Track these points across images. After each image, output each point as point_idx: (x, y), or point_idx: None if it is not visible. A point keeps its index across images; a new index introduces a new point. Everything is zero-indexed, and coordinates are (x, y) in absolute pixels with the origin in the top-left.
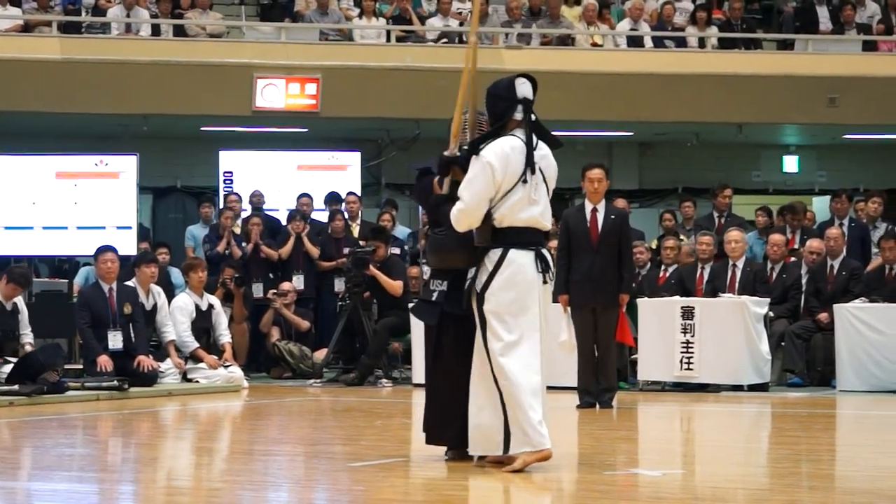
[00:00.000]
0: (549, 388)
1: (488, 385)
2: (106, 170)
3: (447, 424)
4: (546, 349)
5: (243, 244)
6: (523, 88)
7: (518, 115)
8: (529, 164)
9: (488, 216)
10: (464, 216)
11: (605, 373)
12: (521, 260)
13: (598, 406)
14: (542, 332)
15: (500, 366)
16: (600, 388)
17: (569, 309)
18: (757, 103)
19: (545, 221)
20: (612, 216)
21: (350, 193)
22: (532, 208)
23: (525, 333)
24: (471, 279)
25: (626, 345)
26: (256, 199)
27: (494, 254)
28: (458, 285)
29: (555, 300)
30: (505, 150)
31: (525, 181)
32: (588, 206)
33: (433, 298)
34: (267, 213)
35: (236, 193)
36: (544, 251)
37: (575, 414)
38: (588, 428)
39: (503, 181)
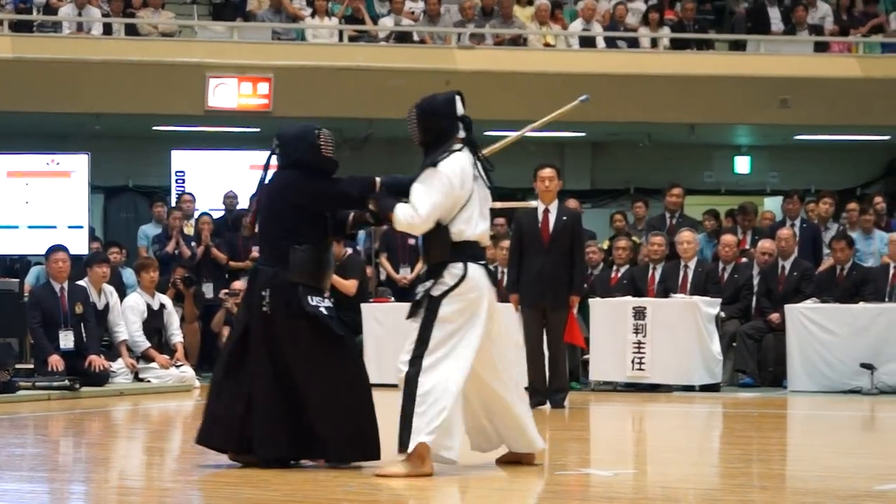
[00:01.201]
0: None
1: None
2: (57, 169)
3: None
4: (502, 355)
5: (192, 244)
6: (460, 106)
7: (461, 133)
8: (479, 179)
9: (446, 230)
10: (412, 223)
11: (555, 373)
12: (477, 274)
13: (549, 406)
14: (487, 341)
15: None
16: (552, 388)
17: (519, 308)
18: (709, 104)
19: (487, 237)
20: (564, 217)
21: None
22: (483, 223)
23: (458, 345)
24: (424, 291)
25: (577, 345)
26: (230, 201)
27: (455, 268)
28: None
29: (506, 300)
30: (462, 165)
31: (476, 196)
32: (540, 207)
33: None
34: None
35: (190, 193)
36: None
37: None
38: (539, 428)
39: (460, 196)
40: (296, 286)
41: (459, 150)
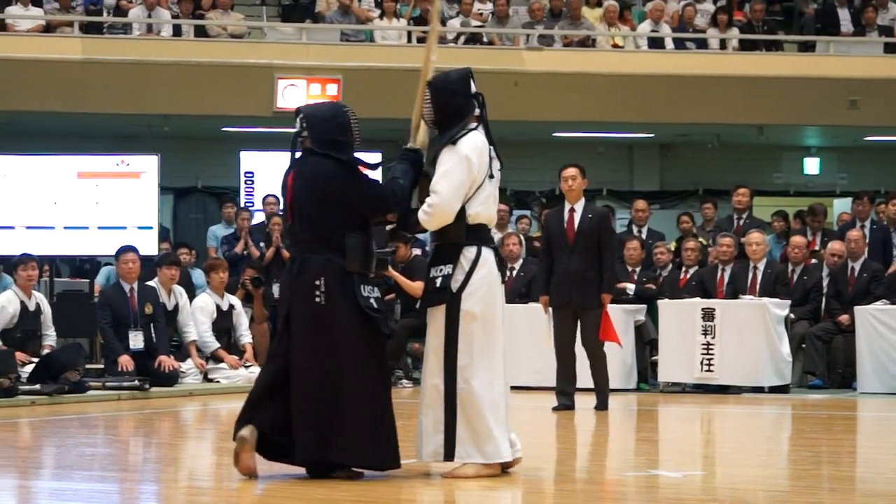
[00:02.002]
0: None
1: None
2: (127, 170)
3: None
4: (509, 348)
5: (261, 245)
6: (474, 84)
7: (476, 112)
8: (493, 160)
9: (462, 212)
10: (438, 211)
11: (595, 374)
12: (491, 258)
13: (595, 408)
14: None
15: (465, 378)
16: (596, 389)
17: (550, 310)
18: (778, 105)
19: (495, 221)
20: (590, 216)
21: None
22: (494, 205)
23: (493, 338)
24: (441, 277)
25: (614, 343)
26: (270, 207)
27: (469, 251)
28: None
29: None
30: (478, 144)
31: (491, 176)
32: (566, 206)
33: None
34: None
35: (273, 195)
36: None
37: (596, 415)
38: (608, 429)
39: (477, 176)
40: (350, 275)
41: (475, 128)
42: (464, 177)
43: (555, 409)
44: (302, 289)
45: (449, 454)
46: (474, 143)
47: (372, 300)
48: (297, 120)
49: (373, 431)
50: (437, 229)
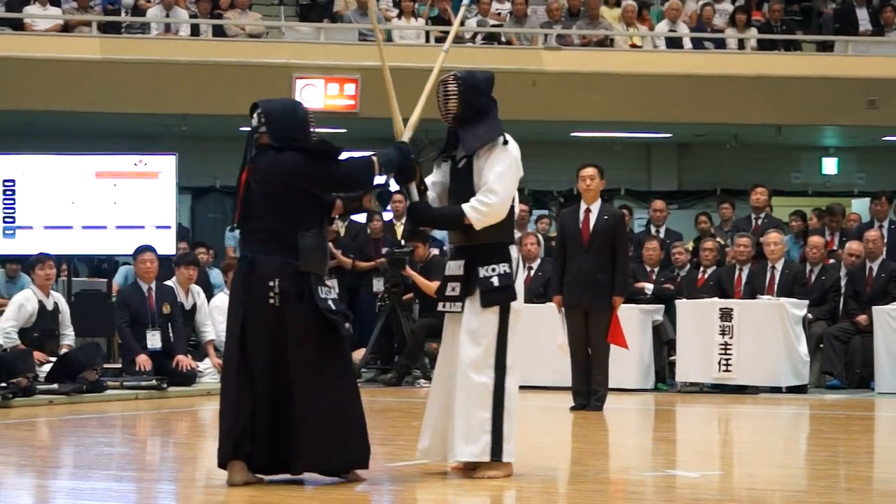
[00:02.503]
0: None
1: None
2: (145, 169)
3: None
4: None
5: None
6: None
7: (499, 115)
8: None
9: (512, 211)
10: (495, 211)
11: (596, 375)
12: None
13: (585, 408)
14: None
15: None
16: (592, 389)
17: (563, 310)
18: (796, 105)
19: None
20: (606, 216)
21: (396, 192)
22: None
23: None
24: (498, 276)
25: (620, 346)
26: None
27: (513, 250)
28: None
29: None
30: (518, 147)
31: None
32: (582, 206)
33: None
34: None
35: None
36: None
37: (614, 415)
38: (625, 429)
39: (520, 177)
40: (307, 276)
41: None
42: (516, 179)
43: (572, 408)
44: (256, 290)
45: (497, 453)
46: (517, 145)
47: (329, 301)
48: (255, 115)
49: (333, 435)
50: (479, 229)
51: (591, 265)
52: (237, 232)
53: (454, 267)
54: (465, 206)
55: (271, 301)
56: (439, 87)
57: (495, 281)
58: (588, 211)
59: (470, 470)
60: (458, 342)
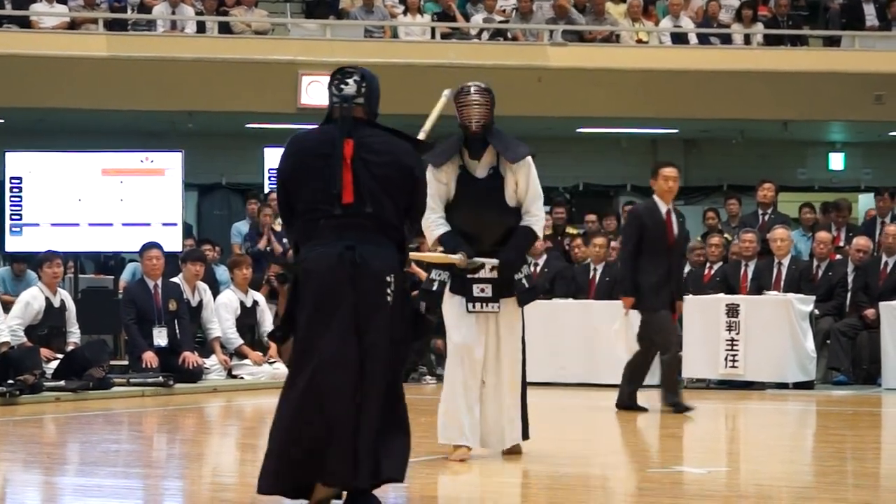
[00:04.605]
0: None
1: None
2: (151, 166)
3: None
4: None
5: (284, 241)
6: None
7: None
8: None
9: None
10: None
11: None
12: None
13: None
14: None
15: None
16: (622, 383)
17: (630, 312)
18: (803, 100)
19: None
20: (680, 219)
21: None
22: None
23: None
24: (525, 277)
25: None
26: None
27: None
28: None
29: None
30: None
31: None
32: (662, 207)
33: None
34: None
35: None
36: None
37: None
38: (632, 425)
39: None
40: (407, 273)
41: None
42: None
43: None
44: (370, 285)
45: (526, 434)
46: None
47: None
48: (351, 81)
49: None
50: (501, 234)
51: (677, 266)
52: (242, 228)
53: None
54: (532, 227)
55: (388, 298)
56: (471, 96)
57: (526, 282)
58: (669, 211)
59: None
60: (499, 339)
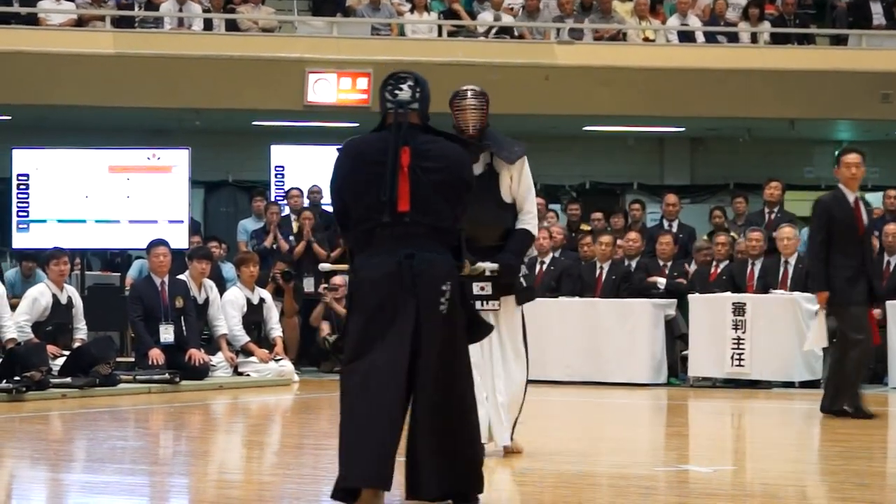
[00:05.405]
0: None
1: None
2: (158, 164)
3: None
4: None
5: (290, 238)
6: None
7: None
8: None
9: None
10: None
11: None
12: None
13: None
14: None
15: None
16: (829, 385)
17: (824, 308)
18: (809, 99)
19: None
20: (868, 208)
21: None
22: None
23: None
24: (524, 277)
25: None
26: (314, 196)
27: None
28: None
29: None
30: None
31: None
32: (849, 195)
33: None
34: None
35: (297, 188)
36: None
37: (626, 409)
38: (636, 424)
39: None
40: (462, 281)
41: None
42: None
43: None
44: (429, 294)
45: (511, 435)
46: None
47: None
48: (406, 85)
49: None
50: (499, 234)
51: (868, 258)
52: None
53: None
54: (528, 228)
55: (442, 308)
56: (467, 100)
57: (524, 281)
58: (857, 200)
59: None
60: (501, 337)
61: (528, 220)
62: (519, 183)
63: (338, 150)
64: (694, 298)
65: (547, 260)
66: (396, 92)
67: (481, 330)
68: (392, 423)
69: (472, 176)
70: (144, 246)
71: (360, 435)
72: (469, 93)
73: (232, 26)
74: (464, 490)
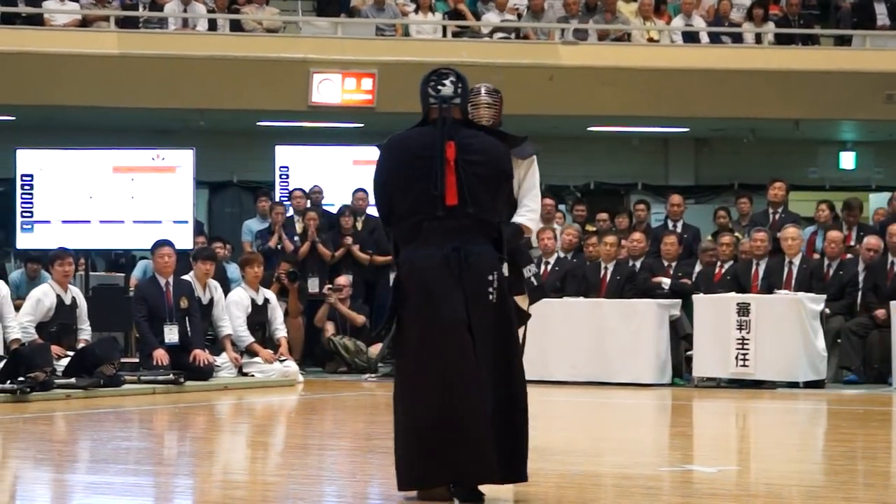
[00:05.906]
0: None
1: None
2: (163, 164)
3: None
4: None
5: (295, 238)
6: None
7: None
8: None
9: None
10: (539, 217)
11: None
12: None
13: None
14: None
15: None
16: None
17: None
18: (814, 99)
19: None
20: None
21: None
22: None
23: None
24: (534, 276)
25: None
26: (315, 196)
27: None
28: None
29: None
30: None
31: None
32: None
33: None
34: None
35: (300, 189)
36: None
37: (630, 410)
38: (641, 424)
39: None
40: (504, 272)
41: None
42: None
43: None
44: (476, 286)
45: None
46: None
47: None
48: (448, 81)
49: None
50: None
51: None
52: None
53: None
54: (521, 223)
55: (490, 297)
56: (481, 97)
57: (534, 280)
58: None
59: None
60: None
61: (524, 214)
62: (524, 179)
63: (378, 147)
64: (698, 299)
65: (552, 260)
66: (440, 88)
67: (520, 317)
68: (484, 413)
69: (511, 168)
70: (149, 246)
71: (450, 428)
72: (483, 89)
73: (236, 27)
74: (513, 478)
